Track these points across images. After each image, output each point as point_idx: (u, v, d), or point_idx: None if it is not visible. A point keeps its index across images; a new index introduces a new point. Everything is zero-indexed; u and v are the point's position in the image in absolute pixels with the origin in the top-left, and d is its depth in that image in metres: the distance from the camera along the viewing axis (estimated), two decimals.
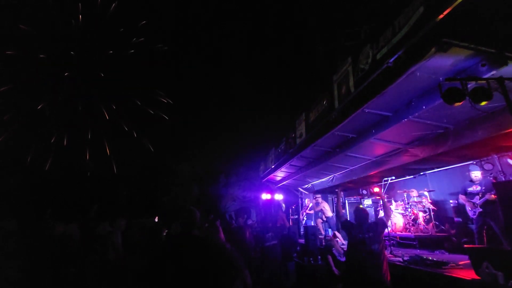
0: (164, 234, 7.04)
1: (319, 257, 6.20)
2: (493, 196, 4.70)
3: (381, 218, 3.99)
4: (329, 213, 8.79)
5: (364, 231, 3.65)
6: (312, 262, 6.28)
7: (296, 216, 11.31)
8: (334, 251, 5.59)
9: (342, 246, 6.79)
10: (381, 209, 7.55)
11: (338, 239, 7.08)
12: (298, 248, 6.87)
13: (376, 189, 6.06)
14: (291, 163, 8.75)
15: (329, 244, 5.81)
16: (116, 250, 5.89)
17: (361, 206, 8.70)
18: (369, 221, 3.88)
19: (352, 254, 3.72)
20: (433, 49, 2.90)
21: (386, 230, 6.61)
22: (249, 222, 8.54)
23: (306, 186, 11.03)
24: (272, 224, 6.18)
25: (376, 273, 3.41)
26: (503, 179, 5.03)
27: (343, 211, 5.61)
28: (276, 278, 5.37)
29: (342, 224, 4.13)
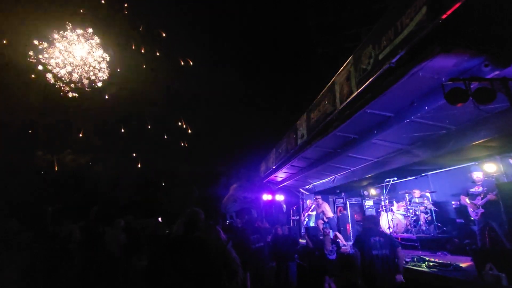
0: (165, 234, 7.04)
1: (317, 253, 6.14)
2: (494, 196, 4.68)
3: (397, 242, 3.94)
4: (330, 213, 8.77)
5: (378, 246, 3.70)
6: (312, 263, 6.25)
7: (297, 217, 11.29)
8: (324, 250, 5.58)
9: (343, 247, 6.77)
10: (383, 211, 7.53)
11: (339, 240, 7.06)
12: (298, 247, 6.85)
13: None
14: (292, 164, 8.73)
15: (322, 241, 5.79)
16: (120, 250, 5.93)
17: (368, 206, 8.65)
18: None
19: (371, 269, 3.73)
20: (436, 49, 2.89)
21: (388, 232, 6.63)
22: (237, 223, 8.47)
23: (307, 186, 11.02)
24: (259, 226, 6.13)
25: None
26: (506, 180, 5.01)
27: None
28: (261, 281, 5.32)
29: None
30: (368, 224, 4.09)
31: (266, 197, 12.16)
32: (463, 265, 4.27)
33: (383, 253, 3.67)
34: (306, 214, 10.13)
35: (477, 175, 5.16)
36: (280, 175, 10.80)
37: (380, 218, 7.80)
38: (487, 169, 5.32)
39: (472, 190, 5.17)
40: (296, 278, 5.83)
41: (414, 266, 4.54)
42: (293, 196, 11.98)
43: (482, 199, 4.93)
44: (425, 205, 6.86)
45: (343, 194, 10.64)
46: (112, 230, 6.23)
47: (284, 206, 12.03)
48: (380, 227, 4.59)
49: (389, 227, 6.68)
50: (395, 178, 7.47)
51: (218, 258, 2.41)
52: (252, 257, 5.11)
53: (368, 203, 8.91)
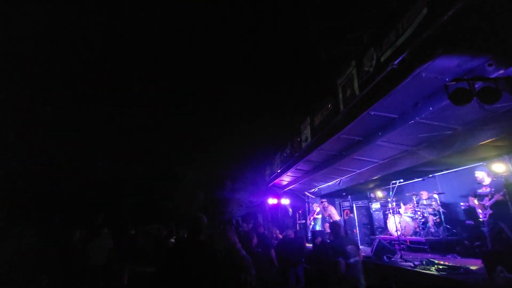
0: (172, 240, 7.07)
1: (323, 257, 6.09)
2: (501, 196, 4.60)
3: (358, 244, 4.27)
4: (336, 216, 8.69)
5: (353, 254, 3.84)
6: (320, 267, 6.19)
7: (304, 221, 11.22)
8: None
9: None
10: (390, 213, 7.44)
11: None
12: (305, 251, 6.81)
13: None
14: (297, 167, 8.71)
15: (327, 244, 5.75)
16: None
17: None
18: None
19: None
20: (438, 50, 2.89)
21: (395, 234, 6.55)
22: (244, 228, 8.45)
23: (313, 190, 10.96)
24: (264, 231, 6.13)
25: None
26: None
27: None
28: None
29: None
30: (341, 233, 4.14)
31: (272, 201, 12.12)
32: (473, 267, 4.18)
33: (356, 260, 3.79)
34: (312, 218, 10.07)
35: (484, 176, 5.08)
36: (285, 179, 10.77)
37: (387, 221, 7.73)
38: (495, 169, 5.23)
39: (479, 191, 5.09)
40: (304, 282, 5.79)
41: (424, 269, 4.46)
42: (299, 200, 11.91)
43: (490, 199, 4.84)
44: (433, 206, 6.75)
45: (349, 197, 10.55)
46: (98, 238, 6.32)
47: (290, 210, 11.97)
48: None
49: (397, 230, 6.59)
50: (402, 180, 7.38)
51: (223, 259, 2.44)
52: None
53: (375, 205, 8.82)
